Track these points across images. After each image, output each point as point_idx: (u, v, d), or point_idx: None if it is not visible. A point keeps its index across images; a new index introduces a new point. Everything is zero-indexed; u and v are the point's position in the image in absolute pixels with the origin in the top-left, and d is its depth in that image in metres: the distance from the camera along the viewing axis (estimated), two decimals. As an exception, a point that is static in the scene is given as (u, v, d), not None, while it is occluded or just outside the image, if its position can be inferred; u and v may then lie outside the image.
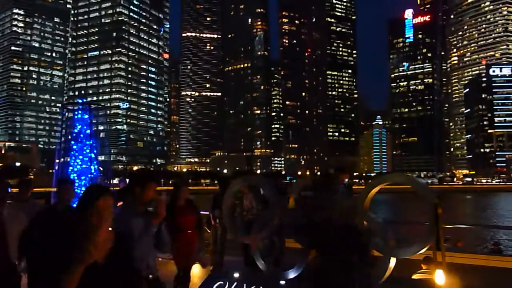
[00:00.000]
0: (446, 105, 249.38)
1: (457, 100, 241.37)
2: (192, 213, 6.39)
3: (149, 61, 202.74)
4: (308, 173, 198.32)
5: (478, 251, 16.23)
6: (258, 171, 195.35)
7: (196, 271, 8.46)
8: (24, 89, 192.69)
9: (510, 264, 7.05)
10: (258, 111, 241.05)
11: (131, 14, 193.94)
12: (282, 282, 5.72)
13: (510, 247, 22.43)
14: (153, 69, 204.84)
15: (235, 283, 5.78)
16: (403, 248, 5.94)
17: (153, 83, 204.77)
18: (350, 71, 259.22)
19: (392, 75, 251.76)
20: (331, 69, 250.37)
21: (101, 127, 11.85)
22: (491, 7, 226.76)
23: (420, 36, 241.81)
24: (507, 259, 7.89)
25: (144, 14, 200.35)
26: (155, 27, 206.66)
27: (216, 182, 9.10)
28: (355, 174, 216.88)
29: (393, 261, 5.22)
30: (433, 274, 5.44)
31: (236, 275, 6.08)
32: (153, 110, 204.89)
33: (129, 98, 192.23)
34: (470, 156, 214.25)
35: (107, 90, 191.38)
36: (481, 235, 24.43)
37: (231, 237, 7.88)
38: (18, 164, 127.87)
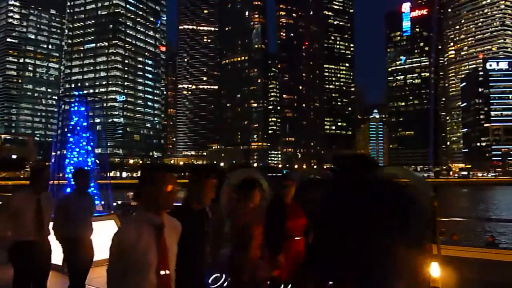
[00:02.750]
0: (443, 99, 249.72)
1: (454, 94, 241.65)
2: (302, 215, 5.23)
3: (146, 53, 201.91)
4: (304, 166, 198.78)
5: (474, 244, 16.33)
6: (255, 164, 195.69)
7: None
8: (20, 81, 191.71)
9: (505, 257, 7.09)
10: (255, 104, 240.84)
11: (127, 6, 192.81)
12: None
13: (505, 240, 22.59)
14: (150, 62, 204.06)
15: (232, 276, 5.79)
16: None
17: (150, 75, 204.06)
18: (347, 64, 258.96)
19: (389, 69, 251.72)
20: (329, 63, 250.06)
21: (97, 120, 11.80)
22: (489, 0, 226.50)
23: (417, 29, 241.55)
24: (503, 252, 7.93)
25: (141, 6, 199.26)
26: (152, 19, 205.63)
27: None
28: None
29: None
30: (428, 267, 5.46)
31: (233, 267, 6.08)
32: (149, 103, 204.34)
33: (125, 90, 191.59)
34: (466, 150, 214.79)
35: (104, 82, 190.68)
36: (476, 228, 24.57)
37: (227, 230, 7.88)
38: (14, 156, 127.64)
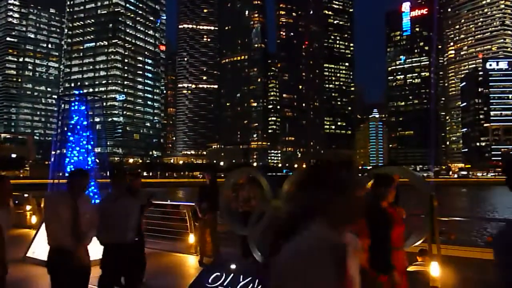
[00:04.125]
0: (443, 98, 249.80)
1: (454, 94, 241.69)
2: (401, 221, 4.46)
3: (146, 53, 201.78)
4: (304, 166, 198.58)
5: (473, 243, 16.34)
6: (255, 164, 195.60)
7: (192, 262, 8.50)
8: (19, 80, 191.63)
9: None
10: (255, 104, 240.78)
11: (127, 5, 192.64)
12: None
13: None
14: (150, 61, 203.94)
15: (232, 275, 5.81)
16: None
17: (149, 75, 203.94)
18: (347, 64, 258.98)
19: (389, 69, 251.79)
20: (328, 62, 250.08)
21: (97, 119, 11.79)
22: (488, 0, 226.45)
23: (417, 29, 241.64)
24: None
25: (140, 5, 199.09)
26: (151, 18, 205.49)
27: (200, 174, 8.43)
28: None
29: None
30: (428, 266, 5.48)
31: (233, 266, 6.11)
32: (149, 102, 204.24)
33: (125, 90, 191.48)
34: (466, 149, 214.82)
35: (103, 82, 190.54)
36: (476, 228, 24.58)
37: (228, 229, 7.90)
38: (14, 155, 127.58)
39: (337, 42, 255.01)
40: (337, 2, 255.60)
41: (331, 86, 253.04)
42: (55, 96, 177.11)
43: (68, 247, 4.38)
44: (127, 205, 5.36)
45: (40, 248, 7.89)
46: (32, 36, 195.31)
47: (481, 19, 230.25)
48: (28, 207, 13.66)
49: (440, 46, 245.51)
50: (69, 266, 4.39)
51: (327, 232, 1.59)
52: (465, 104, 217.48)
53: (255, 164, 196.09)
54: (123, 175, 5.64)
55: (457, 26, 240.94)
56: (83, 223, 4.48)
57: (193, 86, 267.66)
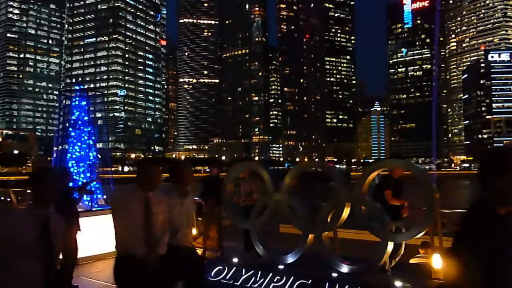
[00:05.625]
0: (444, 91, 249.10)
1: (455, 86, 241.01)
2: None
3: (146, 48, 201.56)
4: (306, 159, 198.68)
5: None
6: (256, 158, 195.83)
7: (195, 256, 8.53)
8: (20, 76, 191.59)
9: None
10: (256, 98, 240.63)
11: (127, 0, 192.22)
12: (281, 267, 5.77)
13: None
14: (151, 56, 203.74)
15: (234, 268, 5.83)
16: (401, 232, 5.99)
17: (150, 70, 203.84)
18: (348, 57, 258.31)
19: (391, 61, 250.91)
20: (330, 55, 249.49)
21: (99, 114, 11.81)
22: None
23: (418, 21, 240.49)
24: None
25: (140, 0, 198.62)
26: (152, 13, 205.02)
27: (208, 168, 8.38)
28: (353, 160, 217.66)
29: (390, 246, 5.27)
30: (430, 259, 5.49)
31: (235, 260, 6.12)
32: (150, 97, 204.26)
33: (126, 85, 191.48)
34: (468, 142, 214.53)
35: (104, 77, 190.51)
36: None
37: (230, 223, 7.92)
38: (16, 152, 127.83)
39: (338, 35, 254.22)
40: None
41: (332, 79, 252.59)
42: (56, 92, 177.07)
43: (139, 256, 3.68)
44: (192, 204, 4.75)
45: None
46: (33, 32, 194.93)
47: (482, 11, 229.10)
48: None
49: (441, 38, 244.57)
50: (142, 278, 3.67)
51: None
52: (467, 96, 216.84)
53: (256, 158, 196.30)
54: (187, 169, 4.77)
55: (459, 18, 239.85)
56: (156, 226, 3.79)
57: (194, 80, 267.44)
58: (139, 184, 3.81)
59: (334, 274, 5.28)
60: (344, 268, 5.35)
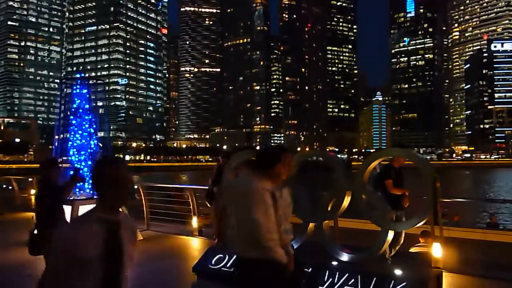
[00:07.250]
0: (447, 81, 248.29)
1: (458, 76, 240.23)
2: None
3: (148, 36, 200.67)
4: (307, 149, 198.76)
5: (475, 225, 16.41)
6: (258, 147, 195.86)
7: (196, 244, 8.57)
8: (22, 64, 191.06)
9: (507, 238, 7.13)
10: (258, 87, 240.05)
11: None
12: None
13: (507, 221, 22.68)
14: (152, 45, 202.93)
15: (234, 257, 5.85)
16: (401, 221, 6.00)
17: (151, 58, 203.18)
18: (350, 46, 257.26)
19: (393, 51, 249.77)
20: (331, 45, 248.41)
21: (100, 103, 11.79)
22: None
23: (421, 10, 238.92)
24: (504, 233, 7.98)
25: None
26: (153, 1, 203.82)
27: (220, 156, 8.25)
28: (354, 150, 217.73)
29: (391, 234, 5.28)
30: (430, 248, 5.50)
31: (236, 248, 6.12)
32: (152, 86, 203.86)
33: (127, 74, 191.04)
34: (470, 132, 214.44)
35: (106, 66, 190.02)
36: (478, 209, 24.65)
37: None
38: (17, 140, 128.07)
39: (340, 24, 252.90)
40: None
41: (334, 68, 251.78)
42: (58, 80, 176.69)
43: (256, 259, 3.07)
44: None
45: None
46: (34, 20, 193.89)
47: (486, 0, 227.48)
48: (33, 191, 13.74)
49: (444, 28, 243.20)
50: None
51: None
52: (469, 86, 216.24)
53: (258, 147, 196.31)
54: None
55: (462, 7, 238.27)
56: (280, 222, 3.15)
57: (196, 69, 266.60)
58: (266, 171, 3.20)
59: (334, 263, 5.30)
60: (344, 257, 5.37)
